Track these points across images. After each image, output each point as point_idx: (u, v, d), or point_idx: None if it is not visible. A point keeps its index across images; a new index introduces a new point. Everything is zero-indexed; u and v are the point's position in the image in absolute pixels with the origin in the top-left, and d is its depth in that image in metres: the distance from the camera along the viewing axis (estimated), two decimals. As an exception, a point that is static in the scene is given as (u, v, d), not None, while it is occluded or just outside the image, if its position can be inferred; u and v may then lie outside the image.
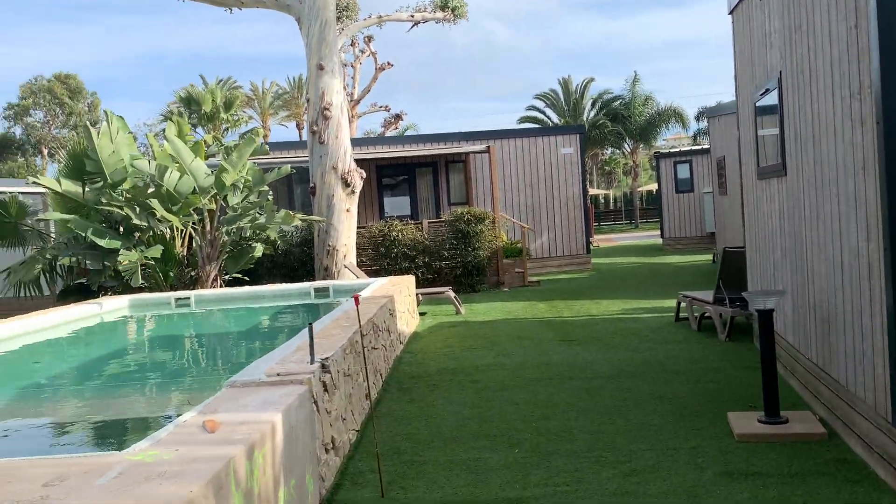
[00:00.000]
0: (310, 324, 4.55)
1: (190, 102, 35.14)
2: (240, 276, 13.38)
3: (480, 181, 18.70)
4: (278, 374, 4.43)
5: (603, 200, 53.62)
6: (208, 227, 12.22)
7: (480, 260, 15.38)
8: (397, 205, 18.95)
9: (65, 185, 12.21)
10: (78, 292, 13.21)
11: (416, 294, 12.25)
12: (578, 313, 11.52)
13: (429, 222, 15.99)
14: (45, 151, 51.03)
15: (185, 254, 12.85)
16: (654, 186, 54.71)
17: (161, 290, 12.18)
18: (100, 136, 12.05)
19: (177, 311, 10.78)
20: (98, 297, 12.19)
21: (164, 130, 14.80)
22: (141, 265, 11.46)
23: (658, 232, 28.18)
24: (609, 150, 52.39)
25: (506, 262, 16.32)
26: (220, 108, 35.59)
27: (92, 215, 12.25)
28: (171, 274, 12.36)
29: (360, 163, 14.70)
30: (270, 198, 13.96)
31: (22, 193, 17.58)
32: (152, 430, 4.93)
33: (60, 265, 12.66)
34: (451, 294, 12.46)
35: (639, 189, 47.21)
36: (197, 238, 12.41)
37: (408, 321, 10.06)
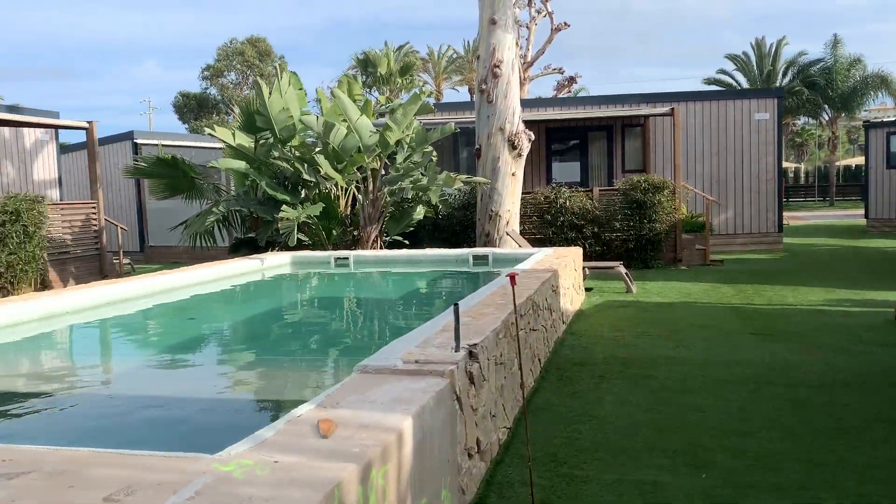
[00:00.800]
0: (455, 304, 3.81)
1: (367, 65, 35.72)
2: (400, 238, 13.04)
3: (659, 147, 17.15)
4: (416, 362, 3.74)
5: (792, 174, 48.85)
6: (371, 187, 11.91)
7: (656, 233, 14.03)
8: (566, 171, 17.87)
9: (238, 139, 12.35)
10: (248, 246, 13.51)
11: (583, 268, 11.26)
12: (772, 301, 10.01)
13: (600, 190, 14.81)
14: (237, 111, 54.38)
15: (348, 213, 12.68)
16: (852, 161, 49.17)
17: (324, 248, 12.09)
18: (271, 93, 12.03)
19: (335, 271, 10.57)
20: (266, 251, 12.35)
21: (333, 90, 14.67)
22: (304, 223, 11.35)
23: (860, 211, 25.04)
24: (802, 120, 47.56)
25: (685, 237, 14.82)
26: (395, 71, 35.85)
27: (262, 170, 12.33)
28: (334, 232, 12.21)
29: (529, 125, 13.78)
30: (434, 158, 13.45)
31: (205, 148, 18.38)
32: (270, 414, 4.47)
33: (233, 217, 12.93)
34: (622, 270, 11.33)
35: (836, 163, 42.42)
36: (360, 197, 12.16)
37: (572, 298, 9.14)
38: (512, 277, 3.84)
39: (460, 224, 14.31)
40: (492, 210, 12.96)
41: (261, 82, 11.85)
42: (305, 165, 11.70)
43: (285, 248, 12.57)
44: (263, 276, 10.14)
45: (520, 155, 13.16)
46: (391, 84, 37.01)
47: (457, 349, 3.89)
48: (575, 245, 13.42)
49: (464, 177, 12.34)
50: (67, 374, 5.75)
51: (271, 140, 12.12)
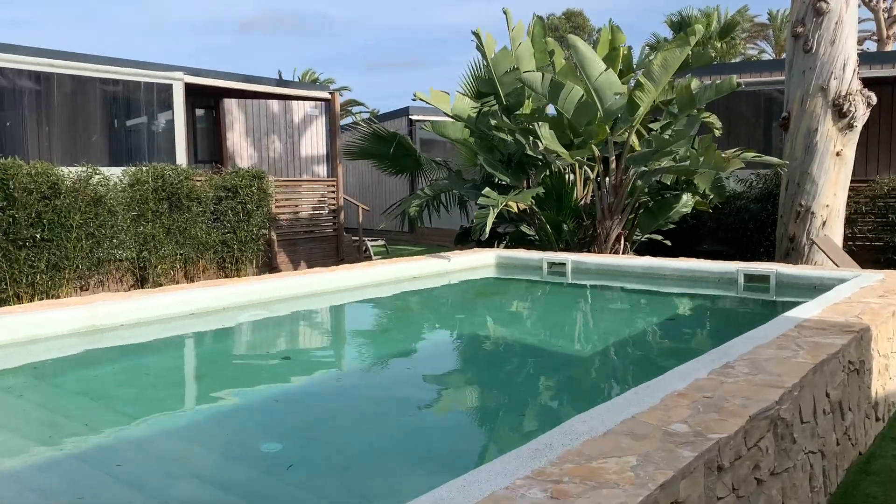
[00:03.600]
0: None
1: (681, 27, 31.32)
2: (659, 237, 9.78)
3: None
4: None
5: None
6: (612, 167, 8.86)
7: None
8: (932, 152, 12.67)
9: (457, 107, 10.09)
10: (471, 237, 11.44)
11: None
12: None
13: None
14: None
15: (586, 203, 9.78)
16: None
17: (551, 248, 9.42)
18: (497, 49, 9.57)
19: (545, 280, 7.84)
20: (492, 245, 10.11)
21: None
22: (532, 213, 8.79)
23: None
24: None
25: None
26: (714, 34, 30.90)
27: (480, 144, 9.99)
28: (565, 227, 9.41)
29: (871, 86, 9.46)
30: (718, 129, 9.90)
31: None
32: None
33: (448, 202, 10.86)
34: None
35: None
36: (599, 181, 9.19)
37: (908, 366, 5.24)
38: None
39: (756, 221, 10.53)
40: (801, 204, 9.11)
41: (480, 32, 9.36)
42: (531, 139, 9.06)
43: (512, 242, 10.18)
44: (449, 283, 7.81)
45: (850, 126, 9.05)
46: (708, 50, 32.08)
47: None
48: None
49: (750, 154, 8.61)
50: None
51: (495, 107, 9.67)
